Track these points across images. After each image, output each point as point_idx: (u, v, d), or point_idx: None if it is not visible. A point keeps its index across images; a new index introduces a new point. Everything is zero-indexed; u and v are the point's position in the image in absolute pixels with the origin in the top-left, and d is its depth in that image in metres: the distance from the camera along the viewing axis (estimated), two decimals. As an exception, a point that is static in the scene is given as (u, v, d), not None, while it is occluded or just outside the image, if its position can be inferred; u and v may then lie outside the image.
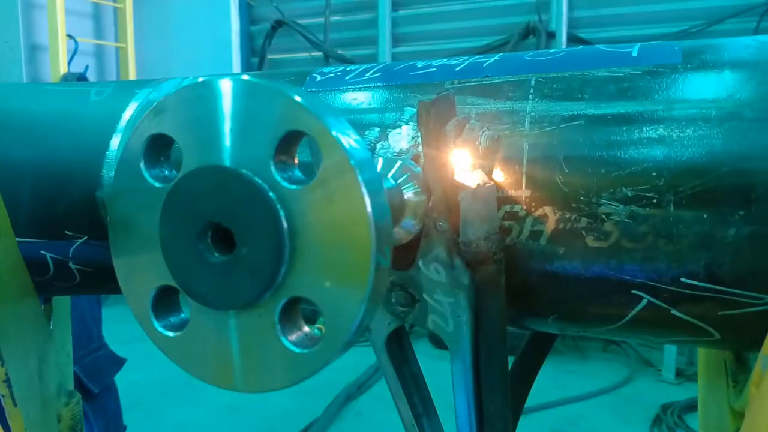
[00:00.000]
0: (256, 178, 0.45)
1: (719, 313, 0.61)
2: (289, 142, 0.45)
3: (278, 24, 5.79)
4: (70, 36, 5.42)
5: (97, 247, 0.85)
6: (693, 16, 4.57)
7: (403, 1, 5.47)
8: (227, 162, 0.46)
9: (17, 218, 0.84)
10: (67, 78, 5.22)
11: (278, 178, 0.45)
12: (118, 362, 1.99)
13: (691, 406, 3.43)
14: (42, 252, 0.86)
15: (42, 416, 0.91)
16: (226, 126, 0.46)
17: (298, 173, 0.46)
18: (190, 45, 6.02)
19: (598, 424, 3.44)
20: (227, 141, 0.46)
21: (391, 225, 0.46)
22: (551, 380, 3.81)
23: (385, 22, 5.41)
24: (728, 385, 0.79)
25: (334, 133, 0.43)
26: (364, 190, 0.42)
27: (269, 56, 5.92)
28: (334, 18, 5.62)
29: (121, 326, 2.82)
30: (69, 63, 5.42)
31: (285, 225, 0.44)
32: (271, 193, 0.44)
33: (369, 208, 0.42)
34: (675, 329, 0.65)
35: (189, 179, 0.47)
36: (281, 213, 0.44)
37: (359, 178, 0.43)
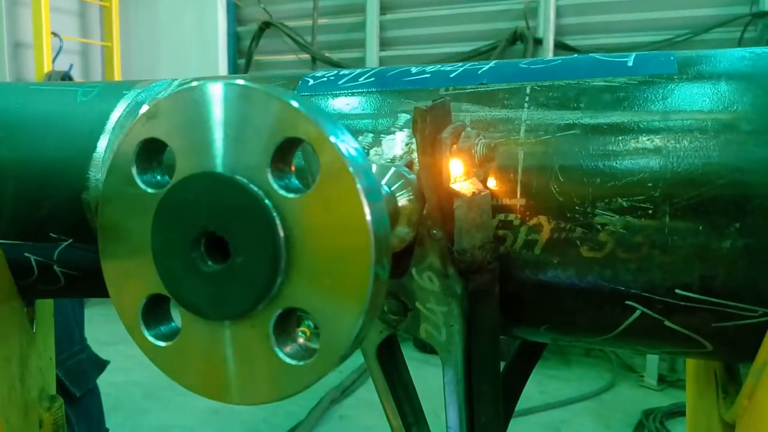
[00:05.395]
0: (251, 186, 0.44)
1: (713, 324, 0.61)
2: (286, 149, 0.44)
3: (266, 25, 5.77)
4: (54, 34, 5.36)
5: (83, 250, 0.83)
6: (679, 25, 4.61)
7: (391, 4, 5.47)
8: (222, 168, 0.45)
9: (1, 219, 0.83)
10: (51, 76, 5.17)
11: (275, 186, 0.44)
12: (101, 365, 1.97)
13: (673, 412, 3.46)
14: (26, 254, 0.85)
15: (23, 422, 0.90)
16: (221, 131, 0.45)
17: (295, 181, 0.45)
18: (177, 45, 5.99)
19: (580, 429, 3.46)
20: (222, 147, 0.45)
21: (390, 235, 0.46)
22: (534, 385, 3.82)
23: (372, 26, 5.41)
24: (718, 396, 0.79)
25: (332, 140, 0.42)
26: (363, 198, 0.42)
27: (256, 57, 5.89)
28: (321, 20, 5.62)
29: (102, 327, 2.80)
30: (53, 61, 5.37)
31: (281, 234, 0.43)
32: (267, 201, 0.43)
33: (369, 217, 0.42)
34: (668, 340, 0.65)
35: (182, 186, 0.46)
36: (277, 222, 0.43)
37: (358, 186, 0.42)
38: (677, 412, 3.45)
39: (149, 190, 0.48)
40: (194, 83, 0.46)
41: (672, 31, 4.61)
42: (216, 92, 0.45)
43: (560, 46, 4.84)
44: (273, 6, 5.77)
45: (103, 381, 1.97)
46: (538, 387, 3.83)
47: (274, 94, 0.43)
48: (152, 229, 0.47)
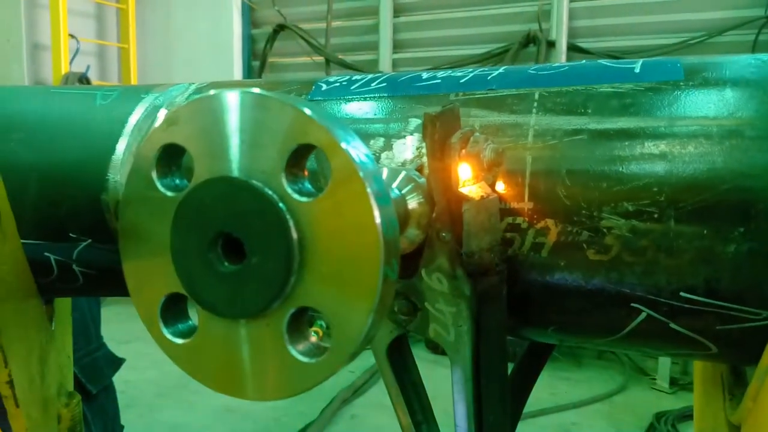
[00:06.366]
0: (266, 190, 0.45)
1: (717, 327, 0.61)
2: (299, 155, 0.46)
3: (280, 28, 5.79)
4: (72, 36, 5.42)
5: (101, 250, 0.85)
6: (693, 28, 4.57)
7: (405, 7, 5.47)
8: (238, 173, 0.47)
9: (22, 220, 0.85)
10: (69, 77, 5.21)
11: (289, 190, 0.45)
12: (116, 363, 1.99)
13: (685, 416, 3.43)
14: (46, 254, 0.87)
15: (43, 417, 0.92)
16: (238, 138, 0.47)
17: (308, 185, 0.47)
18: (192, 47, 6.02)
19: (591, 432, 3.45)
20: (238, 152, 0.47)
21: (399, 237, 0.47)
22: (545, 387, 3.81)
23: (386, 28, 5.41)
24: (724, 398, 0.79)
25: (343, 146, 0.44)
26: (373, 202, 0.43)
27: (270, 60, 5.91)
28: (335, 23, 5.63)
29: (118, 326, 2.83)
30: (71, 62, 5.42)
31: (294, 236, 0.45)
32: (281, 205, 0.45)
33: (378, 220, 0.43)
34: (673, 342, 0.65)
35: (200, 189, 0.47)
36: (291, 224, 0.45)
37: (368, 190, 0.43)
38: (689, 415, 3.41)
39: (169, 194, 0.50)
40: (212, 92, 0.48)
41: (686, 33, 4.58)
42: (233, 100, 0.47)
43: (573, 49, 4.82)
44: (287, 8, 5.79)
45: (118, 379, 1.99)
46: (549, 389, 3.82)
47: (288, 103, 0.45)
48: (171, 230, 0.49)
